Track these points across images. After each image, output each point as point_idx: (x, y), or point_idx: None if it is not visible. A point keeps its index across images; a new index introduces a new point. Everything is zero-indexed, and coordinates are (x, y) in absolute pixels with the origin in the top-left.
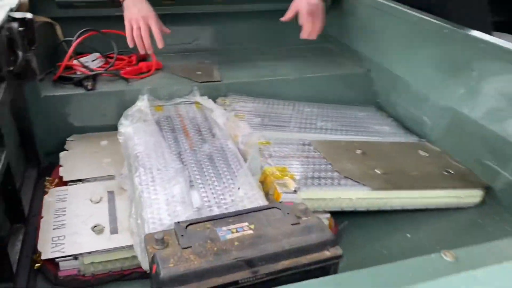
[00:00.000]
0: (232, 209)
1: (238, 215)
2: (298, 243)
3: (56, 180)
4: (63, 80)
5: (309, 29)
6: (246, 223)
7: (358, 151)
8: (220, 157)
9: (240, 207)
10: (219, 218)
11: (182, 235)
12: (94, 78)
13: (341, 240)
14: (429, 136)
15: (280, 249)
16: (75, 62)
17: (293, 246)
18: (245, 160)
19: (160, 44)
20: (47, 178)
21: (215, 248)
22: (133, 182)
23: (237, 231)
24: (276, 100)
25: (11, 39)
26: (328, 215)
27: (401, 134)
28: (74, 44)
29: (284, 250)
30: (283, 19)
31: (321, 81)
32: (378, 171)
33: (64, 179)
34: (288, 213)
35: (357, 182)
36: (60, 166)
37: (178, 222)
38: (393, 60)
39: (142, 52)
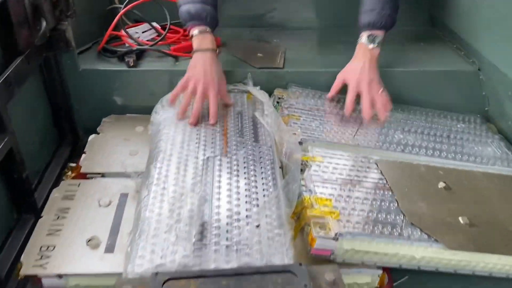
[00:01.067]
0: (242, 254)
1: (237, 275)
2: None
3: (79, 168)
4: (109, 52)
5: (368, 116)
6: None
7: (441, 184)
8: (254, 171)
9: (253, 252)
10: (210, 276)
11: None
12: (141, 52)
13: None
14: None
15: None
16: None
17: None
18: None
19: (212, 120)
20: (70, 164)
21: None
22: (142, 190)
23: None
24: None
25: (37, 6)
26: (380, 271)
27: (509, 161)
28: (121, 12)
29: None
30: (328, 96)
31: (412, 77)
32: (461, 220)
33: (82, 170)
34: (305, 285)
35: (427, 234)
36: (84, 153)
37: (156, 273)
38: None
39: (178, 118)
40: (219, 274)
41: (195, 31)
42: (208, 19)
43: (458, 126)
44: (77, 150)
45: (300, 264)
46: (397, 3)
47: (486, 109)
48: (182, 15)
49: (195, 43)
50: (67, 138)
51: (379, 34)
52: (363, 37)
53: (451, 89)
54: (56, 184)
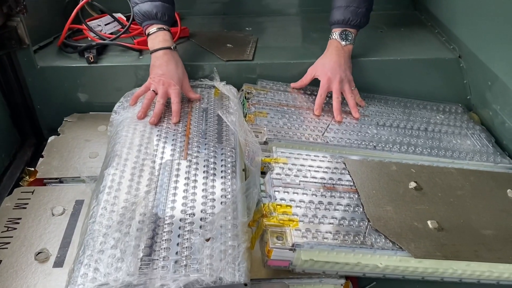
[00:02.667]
0: (191, 270)
1: None
2: None
3: (35, 173)
4: (70, 47)
5: (338, 117)
6: None
7: (412, 184)
8: (213, 175)
9: (203, 267)
10: None
11: None
12: (103, 46)
13: None
14: None
15: None
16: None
17: None
18: None
19: (174, 119)
20: (27, 168)
21: None
22: (92, 199)
23: None
24: None
25: None
26: (343, 280)
27: (489, 155)
28: (79, 4)
29: None
30: (295, 85)
31: (391, 66)
32: (430, 225)
33: (39, 175)
34: None
35: (392, 242)
36: (42, 156)
37: None
38: (491, 52)
39: (139, 117)
40: None
41: (148, 31)
42: (158, 16)
43: (438, 117)
44: (41, 151)
45: (246, 285)
46: (372, 1)
47: (468, 97)
48: (135, 18)
49: (149, 44)
50: (29, 138)
51: (353, 31)
52: (336, 33)
53: (432, 77)
54: (13, 190)
